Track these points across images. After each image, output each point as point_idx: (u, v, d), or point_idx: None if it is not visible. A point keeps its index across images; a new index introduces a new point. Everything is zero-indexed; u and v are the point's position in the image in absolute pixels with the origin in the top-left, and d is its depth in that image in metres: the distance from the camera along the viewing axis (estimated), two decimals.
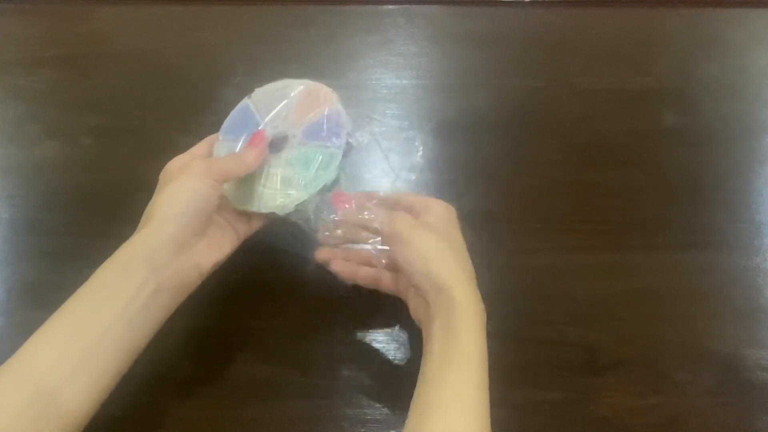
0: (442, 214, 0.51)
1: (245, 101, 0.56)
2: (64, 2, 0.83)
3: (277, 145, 0.54)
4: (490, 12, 0.83)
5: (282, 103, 0.55)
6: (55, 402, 0.42)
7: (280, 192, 0.53)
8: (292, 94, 0.55)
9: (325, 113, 0.54)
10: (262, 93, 0.56)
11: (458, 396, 0.43)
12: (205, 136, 0.57)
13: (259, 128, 0.54)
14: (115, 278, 0.46)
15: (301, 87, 0.55)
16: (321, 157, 0.53)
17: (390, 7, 0.83)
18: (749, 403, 0.55)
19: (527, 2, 0.83)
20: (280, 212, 0.53)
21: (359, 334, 0.58)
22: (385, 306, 0.59)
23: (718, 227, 0.64)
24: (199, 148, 0.55)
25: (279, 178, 0.53)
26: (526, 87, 0.75)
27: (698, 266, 0.62)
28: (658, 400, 0.54)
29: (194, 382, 0.55)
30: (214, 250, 0.51)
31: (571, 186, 0.67)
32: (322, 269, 0.61)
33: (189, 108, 0.73)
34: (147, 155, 0.68)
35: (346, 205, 0.52)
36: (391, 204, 0.54)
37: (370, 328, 0.58)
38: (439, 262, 0.48)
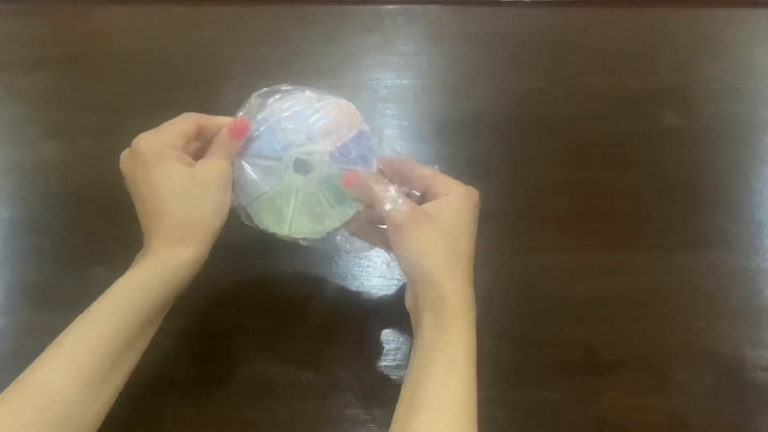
0: (456, 200, 0.49)
1: (265, 116, 0.53)
2: (64, 2, 0.83)
3: (303, 165, 0.53)
4: (490, 12, 0.83)
5: (304, 120, 0.53)
6: (75, 424, 0.42)
7: (312, 218, 0.52)
8: (314, 111, 0.53)
9: (353, 134, 0.52)
10: (280, 108, 0.53)
11: (445, 395, 0.43)
12: None
13: (280, 144, 0.52)
14: (159, 299, 0.46)
15: (323, 102, 0.53)
16: None
17: (390, 7, 0.83)
18: (749, 403, 0.55)
19: (527, 2, 0.83)
20: (311, 237, 0.52)
21: (359, 335, 0.58)
22: (385, 306, 0.59)
23: (718, 227, 0.65)
24: (184, 127, 0.51)
25: (310, 203, 0.52)
26: (526, 87, 0.75)
27: (698, 266, 0.62)
28: (658, 400, 0.54)
29: (194, 382, 0.55)
30: None
31: (571, 186, 0.67)
32: (323, 270, 0.61)
33: (189, 108, 0.72)
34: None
35: (353, 188, 0.51)
36: (412, 179, 0.52)
37: (371, 328, 0.58)
38: (431, 258, 0.47)
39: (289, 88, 0.54)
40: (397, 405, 0.45)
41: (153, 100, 0.73)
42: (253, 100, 0.53)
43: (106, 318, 0.44)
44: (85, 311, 0.45)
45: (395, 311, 0.59)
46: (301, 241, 0.53)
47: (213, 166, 0.50)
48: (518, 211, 0.64)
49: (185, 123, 0.51)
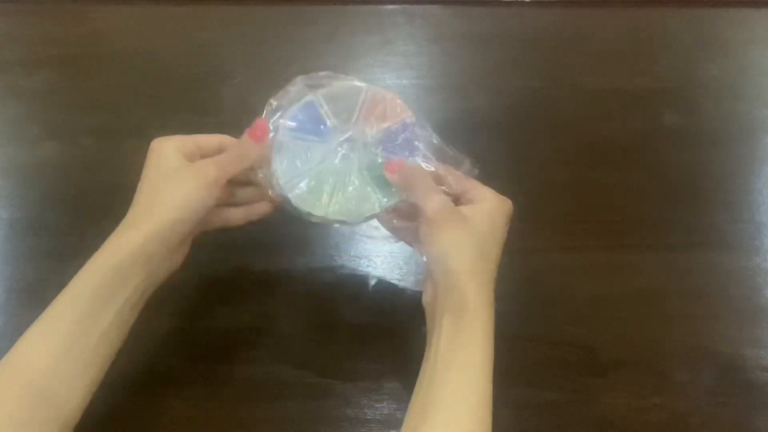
0: (490, 208, 0.50)
1: (310, 98, 0.52)
2: (64, 2, 0.83)
3: (346, 149, 0.52)
4: (490, 12, 0.83)
5: (350, 106, 0.53)
6: (54, 404, 0.42)
7: (351, 203, 0.52)
8: (361, 98, 0.53)
9: (399, 124, 0.52)
10: (327, 92, 0.53)
11: (461, 398, 0.43)
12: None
13: (324, 127, 0.52)
14: (114, 279, 0.46)
15: (369, 91, 0.53)
16: None
17: (390, 7, 0.83)
18: (749, 403, 0.55)
19: (527, 2, 0.83)
20: (350, 221, 0.52)
21: (359, 335, 0.58)
22: (386, 307, 0.59)
23: (718, 227, 0.65)
24: (207, 140, 0.52)
25: (350, 187, 0.52)
26: (526, 87, 0.75)
27: (698, 266, 0.62)
28: (658, 400, 0.54)
29: (194, 382, 0.55)
30: (185, 247, 0.51)
31: (571, 186, 0.67)
32: (323, 270, 0.61)
33: (189, 108, 0.73)
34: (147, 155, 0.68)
35: (396, 176, 0.51)
36: (449, 182, 0.51)
37: (371, 329, 0.58)
38: (459, 260, 0.47)
39: (334, 74, 0.54)
40: (410, 407, 0.45)
41: (153, 100, 0.73)
42: (297, 83, 0.53)
43: (69, 304, 0.45)
44: (56, 297, 0.45)
45: (396, 311, 0.59)
46: (336, 225, 0.52)
47: (195, 165, 0.50)
48: (518, 211, 0.63)
49: (208, 139, 0.52)
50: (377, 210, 0.52)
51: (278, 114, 0.52)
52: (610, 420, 0.54)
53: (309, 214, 0.51)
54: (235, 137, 0.56)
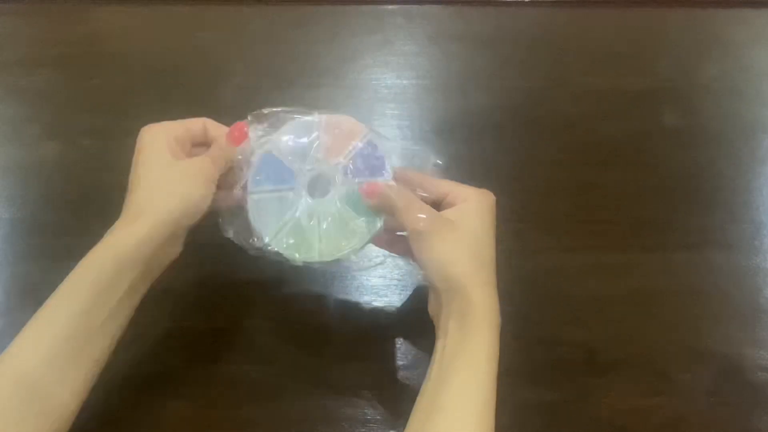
0: (474, 206, 0.49)
1: (267, 148, 0.52)
2: (64, 2, 0.83)
3: (317, 187, 0.52)
4: (490, 12, 0.83)
5: (306, 142, 0.52)
6: (48, 398, 0.43)
7: (341, 238, 0.51)
8: (314, 131, 0.52)
9: (360, 146, 0.52)
10: (279, 139, 0.52)
11: (465, 400, 0.43)
12: None
13: (289, 172, 0.52)
14: (113, 273, 0.46)
15: (321, 120, 0.52)
16: None
17: (390, 7, 0.83)
18: (749, 403, 0.55)
19: (527, 2, 0.83)
20: (346, 258, 0.51)
21: (359, 335, 0.58)
22: (386, 307, 0.59)
23: (718, 227, 0.65)
24: (195, 124, 0.53)
25: (335, 223, 0.51)
26: (526, 87, 0.75)
27: (698, 266, 0.62)
28: (657, 400, 0.54)
29: (194, 382, 0.55)
30: (182, 240, 0.51)
31: (571, 186, 0.67)
32: (323, 270, 0.61)
33: (189, 108, 0.72)
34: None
35: (375, 198, 0.50)
36: (427, 189, 0.51)
37: (371, 329, 0.58)
38: (457, 265, 0.47)
39: (277, 110, 0.53)
40: (414, 408, 0.45)
41: (153, 100, 0.73)
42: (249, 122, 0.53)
43: (66, 299, 0.45)
44: (54, 291, 0.45)
45: (395, 311, 0.59)
46: (345, 260, 0.51)
47: (195, 162, 0.50)
48: (518, 212, 0.64)
49: (194, 122, 0.53)
50: (368, 237, 0.51)
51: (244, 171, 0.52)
52: (610, 420, 0.54)
53: (305, 262, 0.51)
54: None
